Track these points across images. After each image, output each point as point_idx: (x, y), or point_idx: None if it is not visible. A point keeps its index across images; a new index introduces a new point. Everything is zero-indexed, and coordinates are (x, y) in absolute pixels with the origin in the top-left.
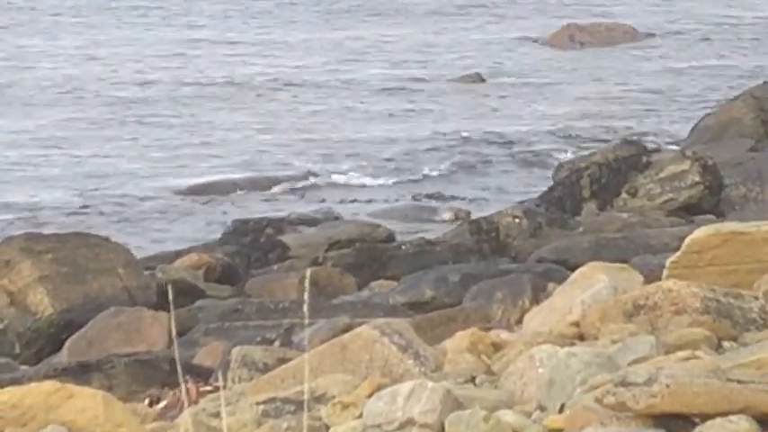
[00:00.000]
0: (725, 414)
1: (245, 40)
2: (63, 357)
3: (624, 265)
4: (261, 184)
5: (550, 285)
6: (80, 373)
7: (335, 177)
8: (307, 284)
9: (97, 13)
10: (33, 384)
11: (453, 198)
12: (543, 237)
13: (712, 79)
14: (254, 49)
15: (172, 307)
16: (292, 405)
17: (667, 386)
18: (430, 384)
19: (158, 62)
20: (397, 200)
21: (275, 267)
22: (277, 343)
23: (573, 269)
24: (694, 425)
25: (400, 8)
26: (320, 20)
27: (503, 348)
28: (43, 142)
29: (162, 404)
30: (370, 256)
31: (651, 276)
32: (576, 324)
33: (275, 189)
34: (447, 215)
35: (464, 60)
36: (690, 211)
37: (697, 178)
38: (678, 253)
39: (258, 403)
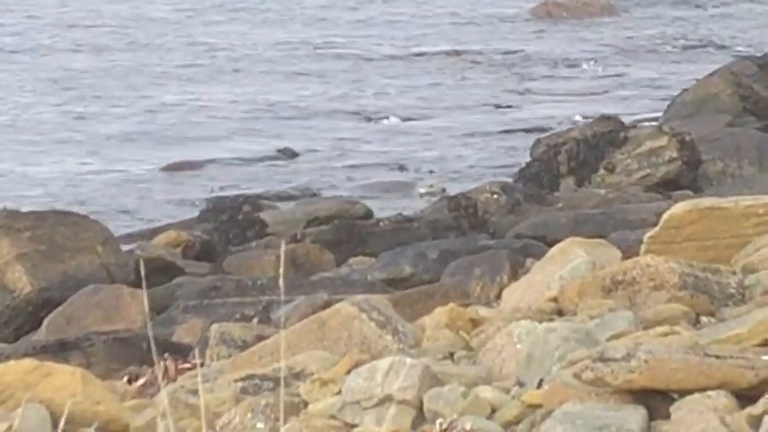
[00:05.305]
0: (703, 389)
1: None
2: (41, 335)
3: (602, 241)
4: (239, 161)
5: (529, 261)
6: (59, 350)
7: (314, 153)
8: (281, 261)
9: None
10: (11, 362)
11: (431, 173)
12: (521, 213)
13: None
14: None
15: (144, 284)
16: (271, 382)
17: (646, 362)
18: (408, 361)
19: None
20: (375, 176)
21: (253, 244)
22: (255, 320)
23: (551, 245)
24: (672, 400)
25: None
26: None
27: (481, 324)
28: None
29: (140, 382)
30: (348, 232)
31: (629, 252)
32: (555, 300)
33: (253, 166)
34: (422, 189)
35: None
36: (667, 187)
37: (674, 154)
38: (656, 228)
39: (236, 380)
